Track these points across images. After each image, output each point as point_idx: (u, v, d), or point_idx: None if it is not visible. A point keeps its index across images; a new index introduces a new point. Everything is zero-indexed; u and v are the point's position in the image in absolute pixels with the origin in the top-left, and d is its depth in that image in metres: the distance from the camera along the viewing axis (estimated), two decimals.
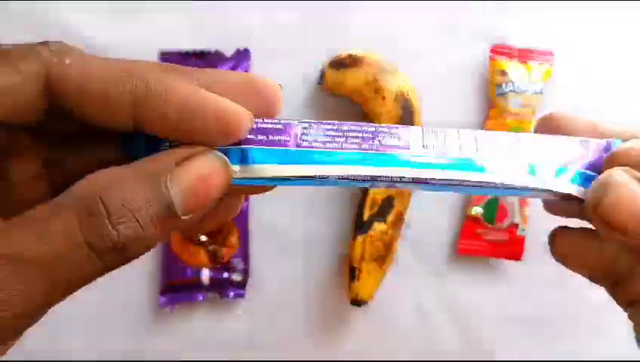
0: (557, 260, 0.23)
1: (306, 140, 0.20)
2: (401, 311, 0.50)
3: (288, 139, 0.20)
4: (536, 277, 0.50)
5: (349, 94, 0.46)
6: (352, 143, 0.20)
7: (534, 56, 0.48)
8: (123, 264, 0.17)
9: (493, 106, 0.48)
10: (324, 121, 0.21)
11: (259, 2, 0.48)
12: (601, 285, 0.23)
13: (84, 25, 0.46)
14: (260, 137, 0.20)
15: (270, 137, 0.20)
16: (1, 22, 0.47)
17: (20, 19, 0.47)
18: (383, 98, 0.45)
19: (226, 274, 0.48)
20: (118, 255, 0.16)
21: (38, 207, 0.16)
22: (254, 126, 0.20)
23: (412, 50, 0.49)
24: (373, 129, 0.21)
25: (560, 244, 0.22)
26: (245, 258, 0.48)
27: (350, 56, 0.46)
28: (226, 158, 0.18)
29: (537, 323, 0.50)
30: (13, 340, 0.17)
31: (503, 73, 0.48)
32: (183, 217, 0.17)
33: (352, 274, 0.46)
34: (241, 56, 0.47)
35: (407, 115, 0.45)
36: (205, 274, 0.47)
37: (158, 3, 0.47)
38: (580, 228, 0.22)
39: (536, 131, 0.23)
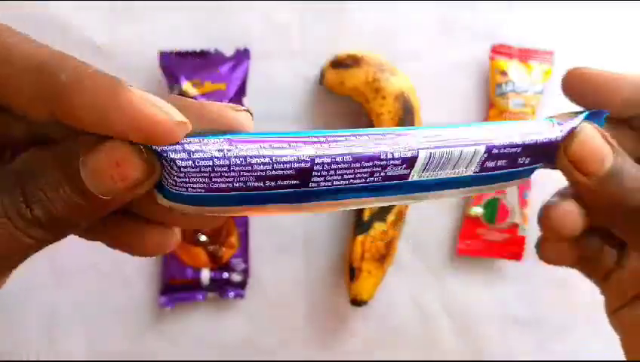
0: (545, 262, 0.26)
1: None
2: (401, 311, 0.50)
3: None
4: (536, 277, 0.50)
5: (349, 94, 0.46)
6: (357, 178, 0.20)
7: (534, 56, 0.48)
8: (55, 239, 0.18)
9: (493, 106, 0.48)
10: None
11: (259, 2, 0.48)
12: (577, 269, 0.26)
13: (84, 25, 0.46)
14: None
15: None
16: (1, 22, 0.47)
17: (20, 19, 0.47)
18: (383, 98, 0.45)
19: (226, 274, 0.48)
20: (43, 231, 0.18)
21: None
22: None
23: (412, 50, 0.49)
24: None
25: (546, 253, 0.26)
26: (245, 258, 0.48)
27: (350, 56, 0.46)
28: (142, 149, 0.17)
29: (537, 323, 0.50)
30: None
31: (503, 73, 0.48)
32: (103, 197, 0.17)
33: (352, 274, 0.46)
34: (241, 56, 0.47)
35: (407, 115, 0.45)
36: (205, 274, 0.47)
37: (158, 3, 0.47)
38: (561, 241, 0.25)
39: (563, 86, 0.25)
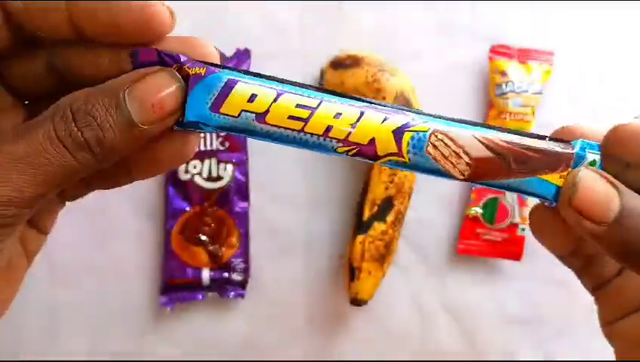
0: (535, 236, 0.25)
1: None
2: (401, 311, 0.50)
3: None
4: (536, 277, 0.50)
5: None
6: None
7: (534, 56, 0.48)
8: (97, 164, 0.20)
9: (492, 106, 0.48)
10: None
11: (259, 2, 0.48)
12: (570, 267, 0.26)
13: None
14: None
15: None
16: None
17: None
18: (383, 98, 0.45)
19: (226, 274, 0.48)
20: (87, 153, 0.20)
21: (30, 121, 0.20)
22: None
23: (412, 50, 0.49)
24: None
25: (535, 221, 0.25)
26: (245, 258, 0.48)
27: (350, 56, 0.46)
28: (177, 75, 0.21)
29: (537, 323, 0.50)
30: (4, 231, 0.20)
31: (503, 73, 0.48)
32: (142, 126, 0.20)
33: (352, 274, 0.46)
34: (241, 56, 0.47)
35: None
36: (205, 274, 0.47)
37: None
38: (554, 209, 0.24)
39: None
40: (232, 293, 0.48)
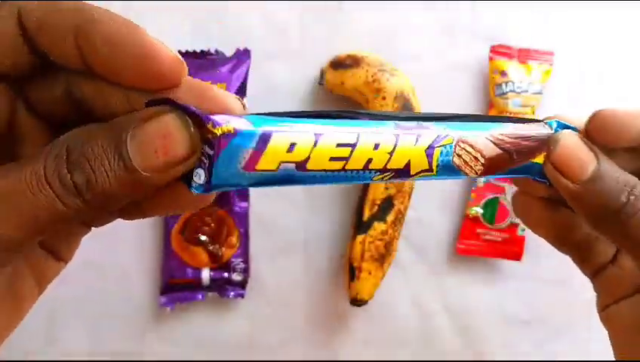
0: (520, 221, 0.27)
1: None
2: (401, 310, 0.50)
3: None
4: (536, 277, 0.50)
5: (349, 94, 0.46)
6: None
7: (534, 56, 0.48)
8: (89, 211, 0.18)
9: (492, 106, 0.48)
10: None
11: (259, 2, 0.48)
12: (566, 253, 0.26)
13: None
14: None
15: None
16: None
17: None
18: (383, 98, 0.45)
19: (226, 274, 0.48)
20: (77, 198, 0.18)
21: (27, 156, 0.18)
22: None
23: (412, 50, 0.49)
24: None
25: (518, 205, 0.26)
26: (245, 258, 0.48)
27: (350, 56, 0.46)
28: (189, 120, 0.18)
29: (537, 323, 0.50)
30: None
31: (503, 73, 0.48)
32: (143, 173, 0.17)
33: (352, 273, 0.46)
34: (241, 56, 0.47)
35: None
36: (205, 274, 0.47)
37: (158, 3, 0.47)
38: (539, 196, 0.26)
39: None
40: (232, 293, 0.48)
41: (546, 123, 0.24)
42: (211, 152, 0.18)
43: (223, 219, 0.48)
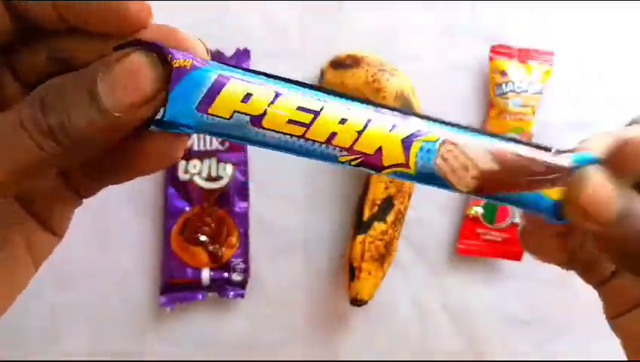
0: (530, 255, 0.25)
1: None
2: (401, 310, 0.50)
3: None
4: (536, 277, 0.50)
5: None
6: None
7: (534, 56, 0.48)
8: (64, 155, 0.18)
9: (493, 106, 0.48)
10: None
11: (259, 2, 0.48)
12: (569, 270, 0.25)
13: None
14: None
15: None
16: None
17: None
18: (383, 98, 0.45)
19: (226, 274, 0.48)
20: (52, 141, 0.18)
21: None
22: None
23: (412, 50, 0.49)
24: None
25: (529, 242, 0.25)
26: (245, 258, 0.48)
27: (350, 56, 0.46)
28: (155, 57, 0.18)
29: (537, 323, 0.50)
30: None
31: (503, 73, 0.48)
32: (115, 113, 0.18)
33: (352, 274, 0.46)
34: (241, 56, 0.47)
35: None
36: (205, 274, 0.47)
37: (158, 3, 0.47)
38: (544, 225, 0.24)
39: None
40: (232, 293, 0.48)
41: (560, 151, 0.21)
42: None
43: (222, 219, 0.48)
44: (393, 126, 0.19)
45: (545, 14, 0.49)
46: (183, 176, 0.47)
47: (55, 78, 0.19)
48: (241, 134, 0.19)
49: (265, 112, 0.18)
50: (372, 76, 0.45)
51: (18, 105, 0.18)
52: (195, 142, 0.48)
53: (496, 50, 0.48)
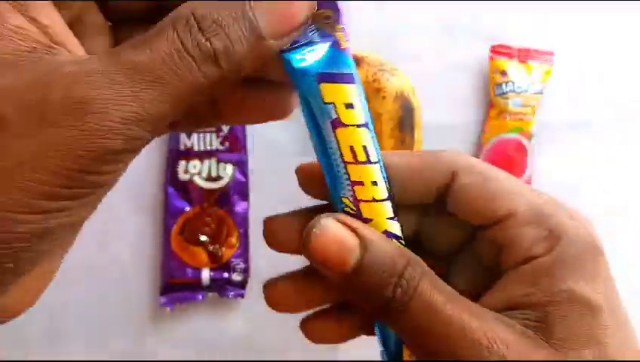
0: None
1: None
2: None
3: None
4: None
5: None
6: None
7: (534, 56, 0.48)
8: (220, 82, 0.18)
9: (493, 106, 0.48)
10: None
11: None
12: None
13: None
14: None
15: None
16: None
17: None
18: (383, 98, 0.45)
19: (226, 274, 0.48)
20: (214, 65, 0.17)
21: (142, 34, 0.17)
22: None
23: (412, 50, 0.49)
24: None
25: (271, 295, 0.26)
26: (245, 258, 0.48)
27: None
28: None
29: None
30: (120, 150, 0.17)
31: (503, 73, 0.48)
32: (269, 40, 0.18)
33: None
34: None
35: (407, 115, 0.45)
36: (205, 274, 0.47)
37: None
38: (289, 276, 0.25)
39: None
40: (232, 293, 0.48)
41: None
42: (317, 40, 0.20)
43: (222, 219, 0.48)
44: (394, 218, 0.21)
45: (545, 14, 0.49)
46: (183, 176, 0.47)
47: (195, 2, 0.18)
48: (313, 115, 0.20)
49: (346, 127, 0.19)
50: (372, 76, 0.45)
51: (163, 28, 0.17)
52: (195, 142, 0.48)
53: (496, 50, 0.48)
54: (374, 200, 0.20)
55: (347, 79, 0.20)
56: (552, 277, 0.19)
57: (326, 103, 0.19)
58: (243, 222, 0.48)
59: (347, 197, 0.20)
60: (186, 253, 0.47)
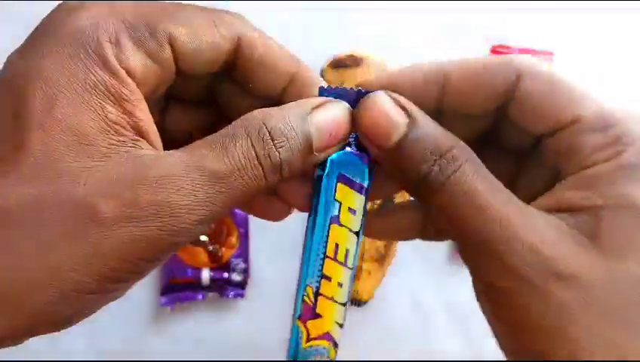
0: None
1: None
2: (401, 310, 0.50)
3: None
4: None
5: None
6: None
7: (534, 56, 0.48)
8: (274, 186, 0.20)
9: None
10: None
11: (259, 2, 0.48)
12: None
13: None
14: None
15: None
16: (2, 22, 0.47)
17: (22, 20, 0.46)
18: None
19: (226, 274, 0.48)
20: (276, 174, 0.19)
21: (210, 136, 0.19)
22: None
23: (412, 50, 0.49)
24: None
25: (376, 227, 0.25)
26: (245, 258, 0.48)
27: (350, 56, 0.46)
28: (351, 108, 0.21)
29: None
30: (182, 244, 0.20)
31: None
32: (315, 153, 0.20)
33: None
34: None
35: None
36: (205, 274, 0.47)
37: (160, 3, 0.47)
38: None
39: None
40: (232, 293, 0.48)
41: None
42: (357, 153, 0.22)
43: (222, 219, 0.48)
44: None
45: (545, 14, 0.49)
46: None
47: (263, 110, 0.20)
48: (320, 200, 0.22)
49: (342, 227, 0.22)
50: (372, 76, 0.45)
51: (236, 135, 0.19)
52: None
53: (496, 50, 0.48)
54: (333, 299, 0.24)
55: (360, 189, 0.22)
56: (610, 182, 0.18)
57: (335, 200, 0.22)
58: (243, 222, 0.48)
59: (312, 287, 0.23)
60: (186, 252, 0.47)
